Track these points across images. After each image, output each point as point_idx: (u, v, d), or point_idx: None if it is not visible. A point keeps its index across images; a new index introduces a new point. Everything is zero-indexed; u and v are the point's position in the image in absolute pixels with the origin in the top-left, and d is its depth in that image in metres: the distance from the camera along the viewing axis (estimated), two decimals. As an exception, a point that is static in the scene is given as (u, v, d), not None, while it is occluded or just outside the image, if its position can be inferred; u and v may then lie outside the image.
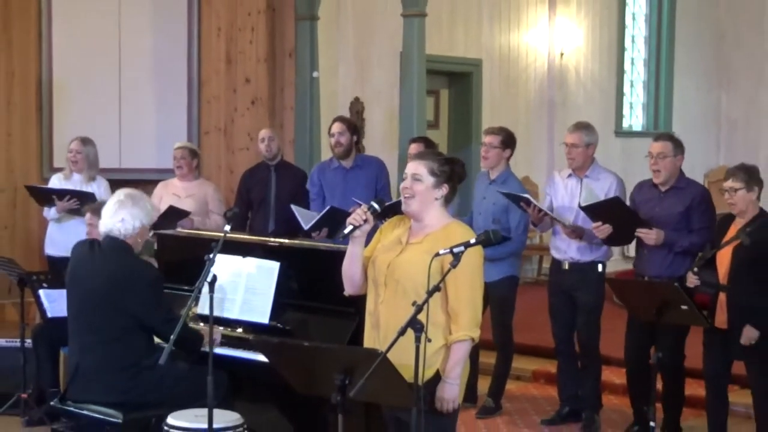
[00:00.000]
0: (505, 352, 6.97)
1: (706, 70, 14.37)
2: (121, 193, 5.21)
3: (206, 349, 4.71)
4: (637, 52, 14.00)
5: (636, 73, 14.02)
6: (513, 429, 6.73)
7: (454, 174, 4.19)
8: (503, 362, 6.98)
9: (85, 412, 5.09)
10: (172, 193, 7.80)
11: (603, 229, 6.17)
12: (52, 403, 5.39)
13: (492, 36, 11.87)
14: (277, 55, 9.67)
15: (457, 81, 11.81)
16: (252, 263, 5.37)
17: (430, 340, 3.80)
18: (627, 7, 13.62)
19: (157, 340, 5.14)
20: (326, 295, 5.04)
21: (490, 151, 6.79)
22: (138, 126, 9.62)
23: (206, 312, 4.74)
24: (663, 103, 14.03)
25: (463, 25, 11.57)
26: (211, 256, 4.69)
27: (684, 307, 5.27)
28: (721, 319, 5.61)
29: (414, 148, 7.05)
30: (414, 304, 3.72)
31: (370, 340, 4.21)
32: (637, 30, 13.96)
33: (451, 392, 4.07)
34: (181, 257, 5.94)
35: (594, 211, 6.19)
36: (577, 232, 6.41)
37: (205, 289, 4.66)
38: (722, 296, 5.62)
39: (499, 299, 6.70)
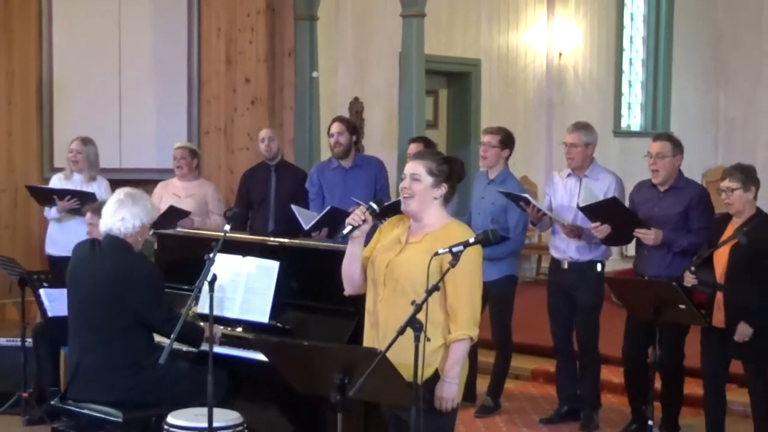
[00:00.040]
0: (503, 351, 6.98)
1: (704, 70, 14.38)
2: (121, 192, 5.22)
3: (206, 348, 4.73)
4: (635, 52, 14.01)
5: (634, 73, 14.04)
6: (512, 428, 6.74)
7: (452, 173, 4.20)
8: (502, 361, 7.00)
9: (85, 411, 5.10)
10: (172, 193, 7.82)
11: (601, 230, 6.19)
12: (52, 402, 5.41)
13: (491, 36, 11.89)
14: (277, 55, 9.68)
15: (456, 81, 11.83)
16: (252, 263, 5.37)
17: (429, 339, 3.81)
18: (625, 8, 13.64)
19: (157, 338, 5.14)
20: (326, 294, 5.05)
21: (489, 151, 6.81)
22: (138, 126, 9.63)
23: (206, 311, 4.74)
24: (661, 103, 14.05)
25: (461, 25, 11.59)
26: (211, 255, 4.71)
27: (682, 306, 5.30)
28: (718, 318, 5.63)
29: (413, 147, 7.06)
30: (413, 303, 3.73)
31: (369, 340, 4.22)
32: (635, 30, 13.97)
33: (449, 391, 4.08)
34: (181, 257, 5.95)
35: (592, 211, 6.21)
36: (575, 232, 6.44)
37: (205, 288, 4.67)
38: (719, 295, 5.64)
39: (497, 298, 6.71)
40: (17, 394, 6.56)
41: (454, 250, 3.86)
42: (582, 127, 6.60)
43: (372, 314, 4.21)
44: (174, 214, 7.28)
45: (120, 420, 4.96)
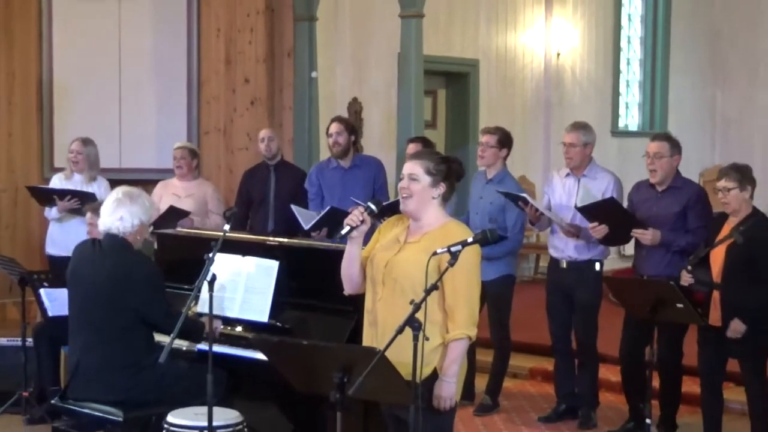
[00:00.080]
0: (502, 350, 7.00)
1: (701, 69, 14.39)
2: (119, 191, 5.22)
3: (206, 347, 4.74)
4: (632, 52, 14.03)
5: (632, 73, 14.06)
6: (510, 426, 6.76)
7: (450, 172, 4.21)
8: (500, 360, 7.01)
9: (85, 410, 5.11)
10: (171, 193, 7.83)
11: (599, 230, 6.21)
12: (53, 401, 5.40)
13: (489, 36, 11.90)
14: (276, 55, 9.69)
15: (455, 81, 11.84)
16: (251, 262, 5.38)
17: (428, 339, 3.82)
18: (623, 8, 13.66)
19: (157, 338, 5.16)
20: (325, 293, 5.06)
21: (487, 151, 6.83)
22: (138, 126, 9.64)
23: (206, 311, 4.75)
24: (659, 103, 14.07)
25: (460, 25, 11.60)
26: (211, 255, 4.71)
27: (679, 305, 5.31)
28: (714, 317, 5.64)
29: (412, 147, 7.08)
30: (412, 302, 3.75)
31: (368, 338, 4.23)
32: (632, 30, 13.99)
33: (448, 390, 4.10)
34: (180, 256, 5.95)
35: (590, 211, 6.22)
36: (574, 231, 6.46)
37: (205, 287, 4.68)
38: (716, 294, 5.65)
39: (496, 298, 6.73)
40: (18, 394, 6.57)
41: (453, 249, 3.87)
42: (581, 126, 6.62)
43: (371, 313, 4.22)
44: (174, 214, 7.30)
45: (120, 419, 4.97)
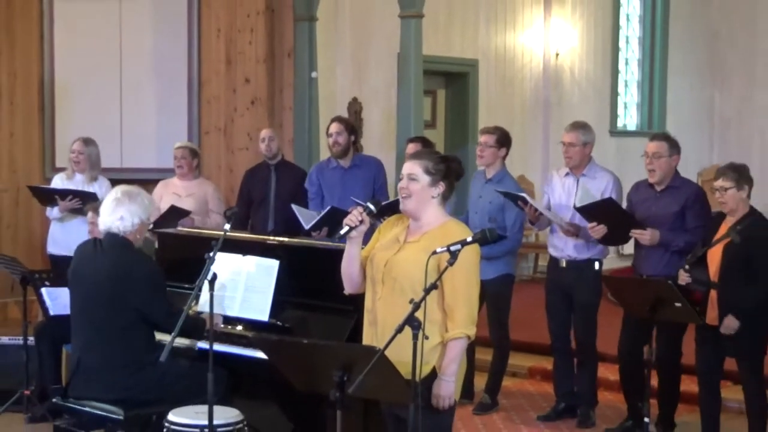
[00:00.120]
0: (501, 349, 7.02)
1: (699, 69, 14.41)
2: (118, 190, 5.23)
3: (207, 346, 4.76)
4: (631, 52, 14.05)
5: (630, 73, 14.07)
6: (509, 425, 6.78)
7: (450, 172, 4.22)
8: (500, 359, 7.03)
9: (86, 408, 5.13)
10: (172, 193, 7.85)
11: (598, 230, 6.22)
12: (54, 400, 5.42)
13: (488, 37, 11.92)
14: (276, 55, 9.71)
15: (454, 81, 11.86)
16: (252, 261, 5.38)
17: (427, 338, 3.83)
18: (621, 8, 13.68)
19: (158, 337, 5.17)
20: (325, 292, 5.07)
21: (486, 150, 6.85)
22: (139, 126, 9.67)
23: (207, 310, 4.75)
24: (657, 103, 14.09)
25: (459, 26, 11.62)
26: (212, 254, 4.72)
27: (678, 304, 5.32)
28: (712, 316, 5.65)
29: (411, 147, 7.11)
30: (411, 301, 3.76)
31: (368, 337, 4.25)
32: (631, 31, 14.01)
33: (447, 389, 4.11)
34: (181, 256, 5.96)
35: (589, 211, 6.24)
36: (573, 230, 6.48)
37: (206, 287, 4.69)
38: (713, 293, 5.66)
39: (495, 297, 6.75)
40: (19, 392, 6.59)
41: (452, 248, 3.88)
42: (580, 126, 6.64)
43: (371, 312, 4.23)
44: (174, 214, 7.32)
45: (121, 418, 4.99)
